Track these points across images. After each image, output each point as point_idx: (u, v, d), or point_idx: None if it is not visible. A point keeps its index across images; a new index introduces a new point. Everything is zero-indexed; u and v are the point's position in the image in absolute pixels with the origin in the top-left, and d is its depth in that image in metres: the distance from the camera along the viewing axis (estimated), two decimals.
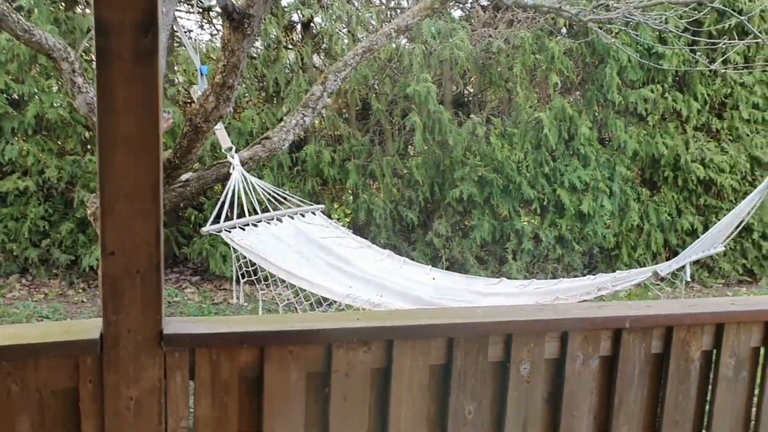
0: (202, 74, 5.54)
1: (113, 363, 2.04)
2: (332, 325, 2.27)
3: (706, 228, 9.06)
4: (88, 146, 7.74)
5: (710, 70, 8.42)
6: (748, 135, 8.76)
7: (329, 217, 6.04)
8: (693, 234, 9.02)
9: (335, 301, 4.65)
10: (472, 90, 8.82)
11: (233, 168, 5.27)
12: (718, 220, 9.04)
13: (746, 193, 8.95)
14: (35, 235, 7.34)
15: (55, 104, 7.10)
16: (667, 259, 9.16)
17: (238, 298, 5.15)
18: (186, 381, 2.13)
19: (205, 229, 4.85)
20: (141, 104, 1.95)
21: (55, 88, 7.40)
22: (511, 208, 8.24)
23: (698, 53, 8.45)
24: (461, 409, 2.38)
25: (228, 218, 5.00)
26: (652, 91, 8.27)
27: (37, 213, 7.24)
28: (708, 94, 8.58)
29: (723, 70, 8.19)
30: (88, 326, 2.09)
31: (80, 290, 7.44)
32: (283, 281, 4.62)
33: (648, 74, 8.46)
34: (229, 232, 4.86)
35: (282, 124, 5.62)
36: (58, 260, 7.37)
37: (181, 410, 2.13)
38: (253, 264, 4.80)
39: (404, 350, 2.29)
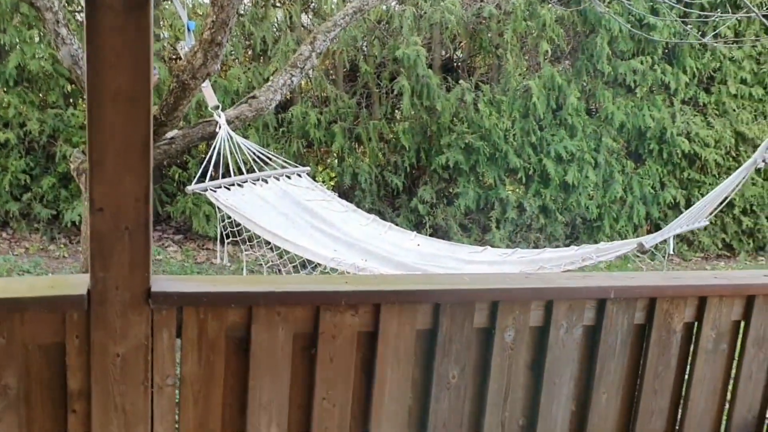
0: (189, 30, 5.45)
1: (100, 319, 2.03)
2: (320, 287, 2.27)
3: (688, 202, 9.13)
4: (71, 99, 7.62)
5: (700, 44, 8.41)
6: (734, 110, 8.79)
7: (314, 179, 6.01)
8: (675, 207, 9.10)
9: (320, 264, 4.65)
10: (461, 55, 8.74)
11: (219, 127, 5.22)
12: (701, 194, 9.13)
13: (730, 169, 9.03)
14: (16, 188, 7.25)
15: (37, 55, 6.96)
16: (649, 231, 9.24)
17: (221, 258, 5.14)
18: (173, 339, 2.13)
19: (189, 188, 4.81)
20: (131, 57, 1.91)
21: (36, 39, 7.25)
22: (497, 176, 8.25)
23: (689, 26, 8.42)
24: (445, 373, 2.41)
25: (213, 178, 4.96)
26: (642, 63, 8.25)
27: (18, 166, 7.14)
28: (697, 68, 8.58)
29: (714, 44, 8.18)
30: (76, 282, 2.08)
31: (62, 245, 7.38)
32: (267, 243, 4.60)
33: (638, 45, 8.44)
34: (214, 191, 4.83)
35: (269, 83, 5.56)
36: (40, 215, 7.30)
37: (168, 368, 2.13)
38: (237, 224, 4.78)
39: (391, 314, 2.30)
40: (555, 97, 8.19)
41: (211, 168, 4.91)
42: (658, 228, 9.27)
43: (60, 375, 2.09)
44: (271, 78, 5.66)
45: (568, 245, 8.81)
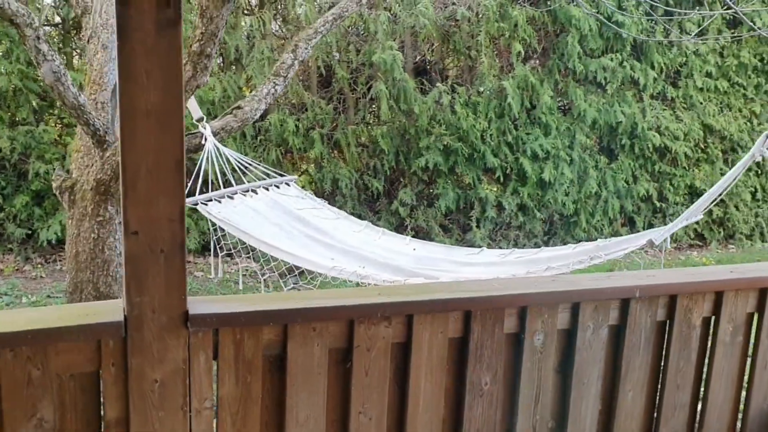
0: None
1: (137, 345, 1.99)
2: (355, 301, 2.25)
3: (660, 194, 9.31)
4: (42, 116, 7.45)
5: (667, 40, 8.58)
6: (701, 103, 8.98)
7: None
8: (647, 200, 9.26)
9: (306, 272, 4.63)
10: (433, 58, 8.77)
11: (205, 139, 5.16)
12: (672, 186, 9.32)
13: (699, 161, 9.23)
14: None
15: (4, 71, 6.79)
16: (623, 225, 9.39)
17: (216, 272, 5.07)
18: (210, 361, 2.10)
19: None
20: (163, 76, 1.88)
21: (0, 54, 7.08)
22: (475, 176, 8.29)
23: (655, 22, 8.58)
24: (477, 380, 2.41)
25: (202, 191, 4.90)
26: (612, 60, 8.38)
27: None
28: (664, 63, 8.74)
29: (679, 40, 8.35)
30: (109, 308, 2.03)
31: (37, 265, 7.21)
32: (264, 254, 4.56)
33: (607, 43, 8.56)
34: (206, 205, 4.76)
35: (253, 93, 5.51)
36: (13, 234, 7.12)
37: (205, 391, 2.09)
38: (232, 237, 4.72)
39: (424, 324, 2.30)
40: (528, 97, 8.27)
41: (200, 181, 4.84)
42: (632, 221, 9.44)
43: (95, 404, 2.04)
44: (256, 87, 5.60)
45: (546, 242, 8.92)
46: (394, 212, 8.30)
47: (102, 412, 2.05)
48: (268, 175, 5.44)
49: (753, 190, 9.54)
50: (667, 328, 2.64)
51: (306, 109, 7.96)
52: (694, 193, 9.40)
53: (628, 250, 4.15)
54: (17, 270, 7.07)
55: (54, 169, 7.04)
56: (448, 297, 2.34)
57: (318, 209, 5.25)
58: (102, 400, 2.04)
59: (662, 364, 2.67)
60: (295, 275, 5.71)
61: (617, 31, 8.11)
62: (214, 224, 4.68)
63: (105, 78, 5.31)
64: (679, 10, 7.89)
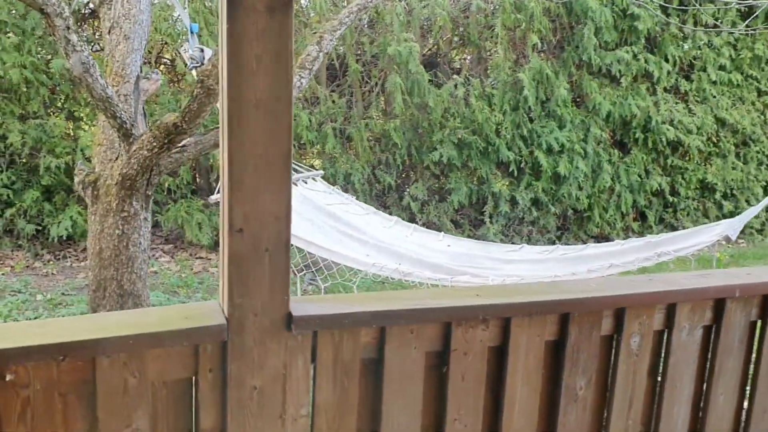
0: (192, 33, 5.22)
1: (237, 350, 1.87)
2: (454, 302, 2.13)
3: (672, 188, 9.26)
4: (51, 109, 7.26)
5: (681, 32, 8.52)
6: (714, 96, 8.94)
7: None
8: (659, 194, 9.21)
9: (340, 270, 4.51)
10: (448, 50, 8.65)
11: None
12: (684, 180, 9.27)
13: (711, 155, 9.19)
14: None
15: (16, 63, 6.60)
16: (635, 219, 9.34)
17: None
18: (308, 365, 1.98)
19: (213, 198, 4.60)
20: (273, 63, 1.76)
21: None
22: (488, 170, 8.20)
23: (669, 15, 8.52)
24: (573, 385, 2.31)
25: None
26: (627, 52, 8.30)
27: None
28: (678, 56, 8.68)
29: (693, 31, 8.29)
30: (208, 310, 1.91)
31: (47, 262, 7.04)
32: (301, 250, 4.43)
33: (621, 36, 8.48)
34: None
35: None
36: (23, 231, 6.93)
37: (302, 397, 1.98)
38: None
39: (522, 327, 2.20)
40: (543, 89, 8.18)
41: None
42: (643, 216, 9.39)
43: (188, 412, 1.92)
44: None
45: (559, 237, 8.84)
46: (405, 207, 8.19)
47: (195, 421, 1.93)
48: (295, 170, 5.31)
49: (764, 184, 9.52)
50: (758, 328, 2.55)
51: (319, 103, 7.82)
52: (705, 188, 9.37)
53: (701, 246, 4.03)
54: (27, 267, 6.89)
55: (68, 163, 6.87)
56: (547, 299, 2.23)
57: (346, 204, 5.13)
58: (196, 407, 1.91)
59: (754, 365, 2.58)
60: (312, 271, 5.60)
61: (629, 26, 8.03)
62: None
63: (127, 69, 5.15)
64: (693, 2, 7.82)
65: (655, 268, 5.23)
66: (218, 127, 4.81)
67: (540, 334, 2.23)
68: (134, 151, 4.73)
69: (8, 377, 1.70)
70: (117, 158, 4.97)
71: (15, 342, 1.69)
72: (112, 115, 4.56)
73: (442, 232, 4.93)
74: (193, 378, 1.89)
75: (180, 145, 4.85)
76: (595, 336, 2.29)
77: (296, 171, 5.34)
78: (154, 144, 4.64)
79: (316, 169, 5.64)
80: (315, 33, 5.88)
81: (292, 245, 4.48)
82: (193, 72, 5.15)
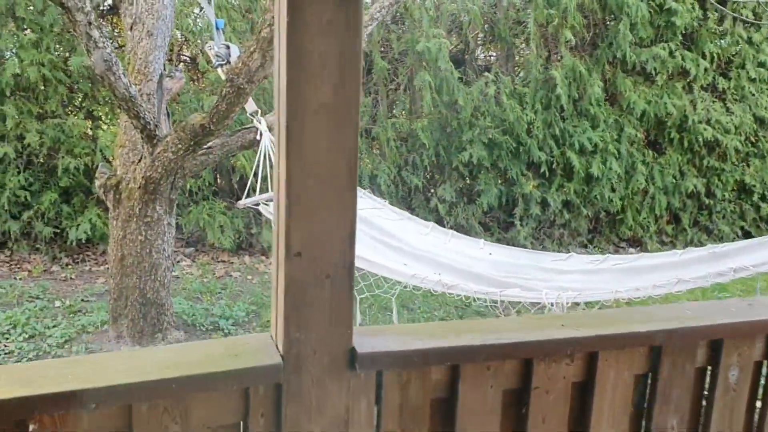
0: (218, 29, 4.97)
1: (294, 391, 1.62)
2: (537, 335, 1.87)
3: (708, 190, 8.93)
4: (69, 108, 7.05)
5: (718, 28, 8.19)
6: (753, 95, 8.60)
7: None
8: (694, 196, 8.89)
9: (368, 275, 4.25)
10: (475, 46, 8.37)
11: (260, 134, 4.78)
12: (720, 182, 8.95)
13: (749, 155, 8.85)
14: (15, 206, 6.67)
15: (34, 61, 6.38)
16: (668, 223, 9.02)
17: None
18: (371, 408, 1.73)
19: (241, 203, 4.36)
20: (339, 61, 1.50)
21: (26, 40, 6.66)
22: (519, 171, 7.92)
23: (707, 10, 8.20)
24: (663, 424, 2.04)
25: (262, 190, 4.52)
26: (663, 49, 7.98)
27: (16, 182, 6.56)
28: (716, 53, 8.35)
29: (733, 27, 7.96)
30: (259, 345, 1.66)
31: (66, 266, 6.83)
32: None
33: (657, 31, 8.17)
34: (267, 205, 4.38)
35: None
36: (41, 233, 6.72)
37: None
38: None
39: (609, 361, 1.94)
40: (576, 87, 7.88)
41: (259, 179, 4.46)
42: (677, 219, 9.07)
43: None
44: None
45: (591, 240, 8.55)
46: (432, 209, 7.92)
47: None
48: None
49: None
50: None
51: None
52: (742, 190, 9.05)
53: None
54: (45, 271, 6.69)
55: (87, 164, 6.66)
56: (640, 330, 1.96)
57: (379, 209, 4.87)
58: None
59: None
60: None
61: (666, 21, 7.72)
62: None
63: (150, 67, 4.93)
64: None
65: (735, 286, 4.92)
66: (245, 128, 4.55)
67: (629, 367, 1.97)
68: (158, 153, 4.50)
69: (31, 427, 1.46)
70: (140, 160, 4.75)
71: (40, 387, 1.45)
72: (136, 116, 4.33)
73: (482, 240, 4.66)
74: (242, 423, 1.64)
75: (206, 146, 4.62)
76: (689, 369, 2.03)
77: None
78: (180, 146, 4.41)
79: None
80: None
81: None
82: (219, 70, 4.91)
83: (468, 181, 8.09)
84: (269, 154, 4.73)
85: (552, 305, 3.42)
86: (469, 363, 1.79)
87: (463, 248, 4.57)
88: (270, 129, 4.83)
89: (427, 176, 8.03)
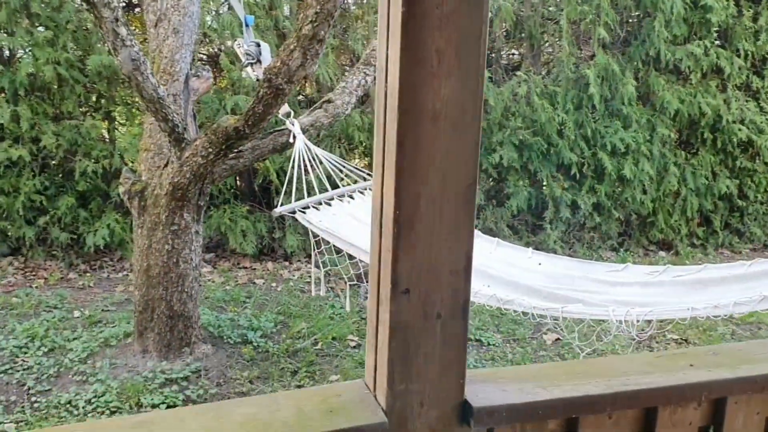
0: (247, 25, 4.73)
1: None
2: (664, 379, 1.61)
3: (740, 192, 8.65)
4: (85, 108, 6.81)
5: (754, 26, 7.91)
6: None
7: None
8: (725, 198, 8.60)
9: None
10: (502, 44, 8.10)
11: (293, 137, 4.53)
12: (753, 183, 8.66)
13: None
14: (30, 211, 6.43)
15: (50, 59, 6.14)
16: (699, 225, 8.74)
17: (318, 290, 4.44)
18: None
19: (277, 210, 4.11)
20: (461, 60, 1.25)
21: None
22: (549, 173, 7.65)
23: (741, 6, 7.92)
24: None
25: (297, 197, 4.27)
26: (698, 47, 7.70)
27: (31, 186, 6.32)
28: (750, 51, 8.06)
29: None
30: (356, 397, 1.41)
31: (83, 273, 6.59)
32: (350, 257, 3.94)
33: (691, 29, 7.89)
34: (304, 212, 4.13)
35: (343, 84, 4.88)
36: (57, 239, 6.49)
37: None
38: (325, 244, 4.09)
39: (739, 404, 1.68)
40: (608, 86, 7.61)
41: (294, 185, 4.22)
42: (708, 221, 8.79)
43: None
44: (344, 78, 4.96)
45: (621, 243, 8.28)
46: None
47: None
48: (359, 177, 4.80)
49: None
50: None
51: (370, 102, 7.30)
52: None
53: None
54: (62, 278, 6.45)
55: (105, 167, 6.42)
56: None
57: None
58: None
59: None
60: (366, 283, 5.10)
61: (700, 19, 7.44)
62: (316, 236, 4.04)
63: (177, 66, 4.68)
64: None
65: None
66: (277, 131, 4.28)
67: (760, 410, 1.72)
68: (187, 157, 4.25)
69: None
70: (166, 165, 4.50)
71: None
72: (164, 118, 4.08)
73: (530, 249, 4.39)
74: None
75: (236, 150, 4.37)
76: None
77: (364, 178, 4.84)
78: (210, 150, 4.16)
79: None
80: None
81: (351, 256, 3.97)
82: (248, 69, 4.66)
83: (497, 184, 7.82)
84: (304, 159, 4.48)
85: (620, 323, 3.16)
86: (591, 414, 1.54)
87: (510, 258, 4.31)
88: (304, 131, 4.59)
89: None
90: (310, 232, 4.07)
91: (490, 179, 7.75)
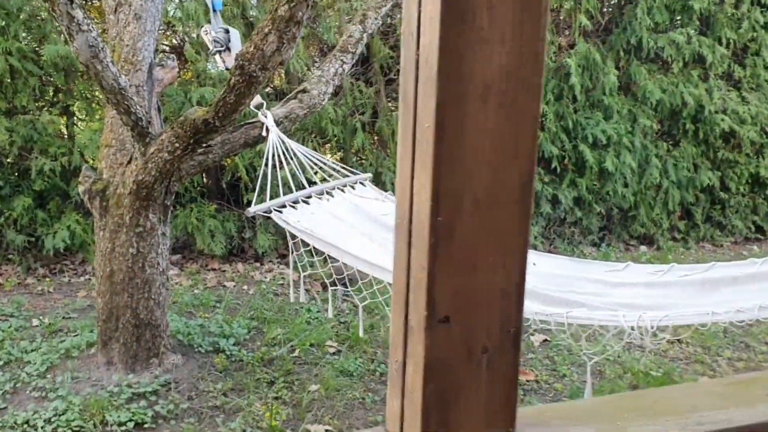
0: (215, 10, 4.38)
1: None
2: (746, 415, 1.34)
3: (722, 184, 8.51)
4: (40, 103, 6.39)
5: (736, 13, 7.75)
6: None
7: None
8: (706, 191, 8.46)
9: (370, 280, 3.71)
10: None
11: (266, 130, 4.20)
12: (735, 174, 8.54)
13: (763, 146, 8.44)
14: None
15: (1, 50, 5.72)
16: (681, 218, 8.59)
17: (296, 296, 4.10)
18: None
19: (251, 210, 3.78)
20: (519, 22, 0.95)
21: None
22: None
23: None
24: None
25: (271, 195, 3.95)
26: (681, 35, 7.52)
27: None
28: (733, 39, 7.91)
29: (750, 12, 7.52)
30: None
31: (42, 277, 6.19)
32: (332, 259, 3.64)
33: (672, 16, 7.71)
34: (280, 212, 3.81)
35: (319, 73, 4.56)
36: (14, 242, 6.07)
37: None
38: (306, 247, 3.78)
39: None
40: (589, 76, 7.40)
41: (269, 182, 3.89)
42: (689, 214, 8.64)
43: None
44: (320, 67, 4.64)
45: (602, 238, 8.09)
46: None
47: None
48: (337, 172, 4.50)
49: None
50: None
51: (344, 94, 6.99)
52: (756, 183, 8.64)
53: None
54: (19, 284, 6.04)
55: (64, 165, 6.02)
56: None
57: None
58: None
59: None
60: (344, 281, 4.81)
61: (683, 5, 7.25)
62: (294, 237, 3.72)
63: (139, 55, 4.33)
64: None
65: None
66: (248, 123, 3.94)
67: None
68: (152, 153, 3.91)
69: None
70: (129, 162, 4.15)
71: None
72: (126, 111, 3.74)
73: None
74: None
75: (205, 145, 4.04)
76: None
77: (345, 175, 4.53)
78: (177, 145, 3.83)
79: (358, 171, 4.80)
80: (357, 12, 5.06)
81: (333, 258, 3.67)
82: (217, 57, 4.33)
83: None
84: (278, 153, 4.16)
85: (632, 329, 2.90)
86: None
87: None
88: (278, 124, 4.27)
89: None
90: (287, 233, 3.75)
91: None
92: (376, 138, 7.18)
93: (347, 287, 4.58)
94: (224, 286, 6.31)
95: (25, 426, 3.83)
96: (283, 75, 7.28)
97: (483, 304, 1.03)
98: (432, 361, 1.02)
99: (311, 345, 5.00)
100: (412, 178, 1.01)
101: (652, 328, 2.86)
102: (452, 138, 0.95)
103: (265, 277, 6.56)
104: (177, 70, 4.69)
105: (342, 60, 4.60)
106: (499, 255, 1.02)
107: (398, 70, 7.16)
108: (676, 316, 2.90)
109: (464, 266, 1.00)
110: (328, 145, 7.11)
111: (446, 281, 1.00)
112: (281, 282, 6.42)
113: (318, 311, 5.62)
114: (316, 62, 7.17)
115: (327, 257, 3.80)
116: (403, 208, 1.06)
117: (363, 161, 7.00)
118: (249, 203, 6.88)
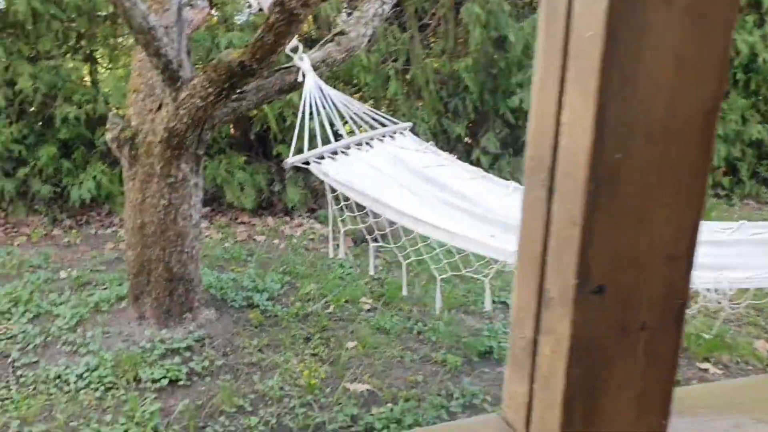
0: None
1: None
2: None
3: None
4: (64, 48, 6.16)
5: None
6: None
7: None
8: (753, 145, 8.10)
9: (407, 237, 3.50)
10: None
11: (303, 75, 3.95)
12: None
13: None
14: (8, 162, 5.85)
15: None
16: (725, 174, 8.25)
17: (336, 251, 3.90)
18: None
19: (289, 161, 3.55)
20: None
21: None
22: None
23: None
24: None
25: (311, 146, 3.71)
26: None
27: (8, 135, 5.72)
28: None
29: None
30: None
31: (68, 229, 6.05)
32: (342, 214, 3.43)
33: None
34: (319, 163, 3.58)
35: (358, 14, 4.29)
36: (39, 193, 5.92)
37: None
38: (345, 200, 3.55)
39: None
40: None
41: (307, 131, 3.65)
42: (734, 170, 8.29)
43: None
44: (359, 7, 4.36)
45: None
46: (473, 161, 7.12)
47: None
48: (376, 121, 4.24)
49: None
50: None
51: (377, 39, 6.69)
52: None
53: None
54: (46, 235, 5.91)
55: (89, 113, 5.82)
56: None
57: (445, 166, 4.06)
58: None
59: None
60: (376, 237, 4.59)
61: None
62: (334, 190, 3.50)
63: None
64: None
65: None
66: (284, 67, 3.69)
67: None
68: (183, 99, 3.68)
69: None
70: (159, 108, 3.93)
71: None
72: (155, 52, 3.50)
73: None
74: None
75: (239, 90, 3.80)
76: None
77: (382, 124, 4.27)
78: (210, 90, 3.60)
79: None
80: None
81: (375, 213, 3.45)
82: None
83: (514, 131, 7.27)
84: (314, 101, 3.91)
85: (709, 291, 2.67)
86: None
87: None
88: (315, 69, 4.01)
89: (470, 124, 7.21)
90: (326, 186, 3.53)
91: (507, 125, 7.19)
92: (406, 87, 6.90)
93: (381, 242, 4.36)
94: (255, 240, 6.14)
95: (57, 380, 3.71)
96: (312, 21, 6.99)
97: (646, 270, 0.80)
98: (580, 340, 0.80)
99: (345, 301, 4.83)
100: (560, 105, 0.78)
101: (730, 290, 2.62)
102: (625, 52, 0.72)
103: (296, 232, 6.37)
104: (208, 9, 4.43)
105: (382, 1, 4.31)
106: (671, 209, 0.79)
107: (433, 14, 6.87)
108: (759, 278, 2.66)
109: (628, 222, 0.77)
110: (357, 95, 6.84)
111: (604, 243, 0.77)
112: (312, 237, 6.24)
113: (351, 267, 5.44)
114: (345, 7, 6.87)
115: (367, 212, 3.57)
116: (541, 145, 0.83)
117: (395, 111, 6.73)
118: (278, 155, 6.70)
